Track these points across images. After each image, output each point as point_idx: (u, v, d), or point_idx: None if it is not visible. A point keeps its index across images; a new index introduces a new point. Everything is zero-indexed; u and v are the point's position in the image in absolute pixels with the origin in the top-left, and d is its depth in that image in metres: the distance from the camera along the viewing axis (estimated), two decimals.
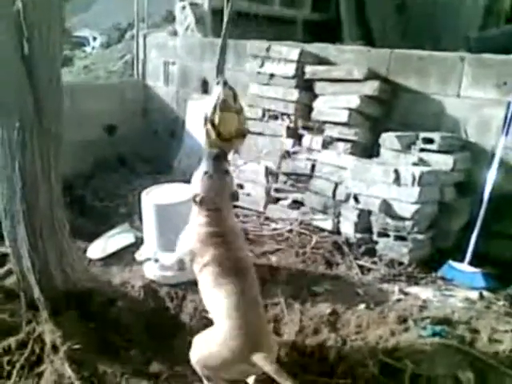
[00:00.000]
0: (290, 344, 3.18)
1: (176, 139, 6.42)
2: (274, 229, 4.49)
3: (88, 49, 8.77)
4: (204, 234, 2.73)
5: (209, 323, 3.43)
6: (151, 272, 3.85)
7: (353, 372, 2.96)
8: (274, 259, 4.06)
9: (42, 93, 3.22)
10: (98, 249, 4.28)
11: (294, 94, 5.00)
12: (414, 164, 4.19)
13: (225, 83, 2.83)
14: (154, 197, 3.85)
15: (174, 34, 6.79)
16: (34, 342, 3.35)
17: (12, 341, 3.38)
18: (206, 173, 2.72)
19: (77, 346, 3.26)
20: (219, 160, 2.73)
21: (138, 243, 4.17)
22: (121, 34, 8.57)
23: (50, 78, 3.28)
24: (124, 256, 4.19)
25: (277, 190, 4.87)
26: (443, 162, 4.15)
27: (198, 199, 2.70)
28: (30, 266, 3.44)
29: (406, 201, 3.99)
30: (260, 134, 5.24)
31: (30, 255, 3.41)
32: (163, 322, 3.55)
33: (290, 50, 5.06)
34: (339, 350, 3.09)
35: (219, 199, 2.72)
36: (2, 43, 3.07)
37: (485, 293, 3.52)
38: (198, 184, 2.74)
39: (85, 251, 4.27)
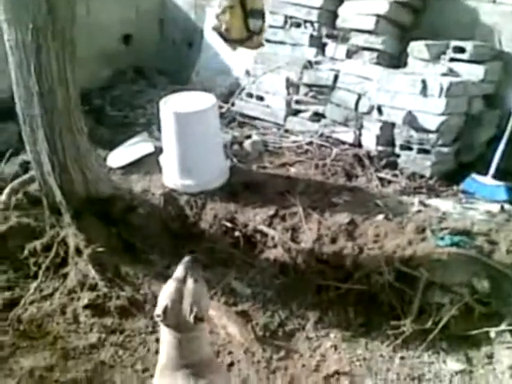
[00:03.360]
0: (308, 251, 3.23)
1: (194, 50, 6.22)
2: (294, 141, 4.43)
3: None
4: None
5: (229, 230, 3.55)
6: (171, 181, 3.88)
7: (368, 279, 3.03)
8: (293, 170, 4.04)
9: None
10: (117, 158, 4.30)
11: (319, 0, 4.74)
12: (443, 74, 4.01)
13: None
14: (173, 105, 3.79)
15: None
16: (58, 245, 3.48)
17: (37, 244, 3.51)
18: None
19: (100, 249, 3.38)
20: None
21: (157, 152, 4.17)
22: None
23: None
24: (143, 165, 4.20)
25: (297, 102, 4.74)
26: (473, 73, 3.96)
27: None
28: (51, 170, 3.48)
29: (432, 112, 3.86)
30: (281, 43, 5.03)
31: (49, 159, 3.45)
32: (183, 229, 3.63)
33: None
34: (355, 257, 3.14)
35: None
36: None
37: (506, 206, 3.48)
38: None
39: (104, 160, 4.29)
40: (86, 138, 3.61)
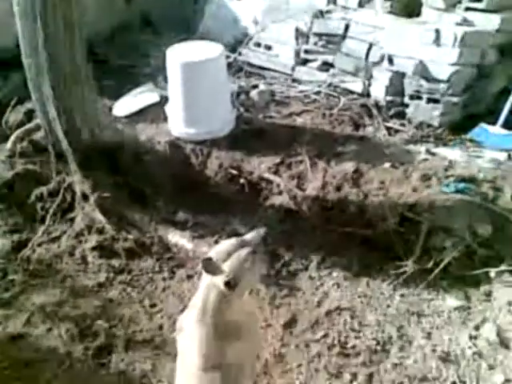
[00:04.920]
0: (313, 198, 3.37)
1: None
2: (302, 91, 4.53)
3: None
4: None
5: (234, 178, 3.68)
6: (176, 129, 4.01)
7: (372, 224, 3.17)
8: (299, 120, 4.14)
9: None
10: (123, 107, 4.42)
11: None
12: (457, 24, 4.05)
13: None
14: (180, 54, 3.87)
15: None
16: (64, 191, 3.63)
17: (44, 190, 3.67)
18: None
19: (106, 195, 3.54)
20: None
21: (163, 102, 4.28)
22: None
23: None
24: (149, 114, 4.32)
25: (306, 52, 4.80)
26: (489, 22, 3.98)
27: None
28: (56, 117, 3.61)
29: (444, 62, 3.93)
30: None
31: (55, 107, 3.57)
32: (188, 177, 3.76)
33: None
34: (360, 204, 3.28)
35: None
36: None
37: None
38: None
39: (110, 109, 4.41)
40: (92, 86, 3.73)
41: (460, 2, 4.15)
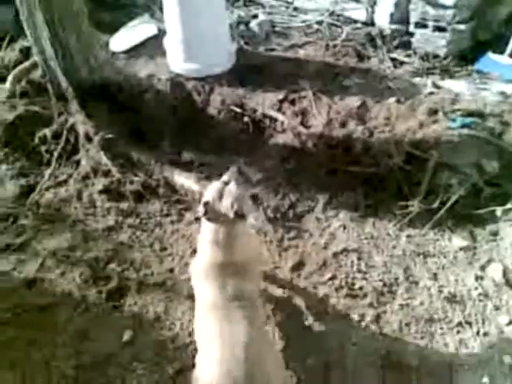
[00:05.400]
0: (318, 135, 3.21)
1: None
2: (303, 20, 4.21)
3: None
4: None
5: (237, 116, 3.49)
6: (177, 65, 3.76)
7: (378, 161, 3.03)
8: (302, 52, 3.88)
9: None
10: (120, 41, 4.13)
11: None
12: None
13: None
14: None
15: None
16: (67, 133, 3.46)
17: (47, 131, 3.50)
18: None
19: (110, 136, 3.37)
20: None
21: (161, 35, 3.99)
22: None
23: None
24: (147, 48, 4.05)
25: None
26: None
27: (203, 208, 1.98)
28: (53, 54, 3.37)
29: None
30: None
31: (51, 43, 3.32)
32: (191, 115, 3.57)
33: None
34: (366, 141, 3.11)
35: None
36: None
37: None
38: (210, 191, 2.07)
39: (107, 44, 4.12)
40: (87, 21, 3.45)
41: None
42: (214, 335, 1.86)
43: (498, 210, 2.69)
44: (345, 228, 2.79)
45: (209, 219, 1.97)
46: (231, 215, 1.92)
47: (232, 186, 2.01)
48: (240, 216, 1.93)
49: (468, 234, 2.70)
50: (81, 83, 3.53)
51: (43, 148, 3.46)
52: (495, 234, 2.67)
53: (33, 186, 3.27)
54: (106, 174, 3.24)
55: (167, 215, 3.00)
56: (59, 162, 3.39)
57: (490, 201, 2.75)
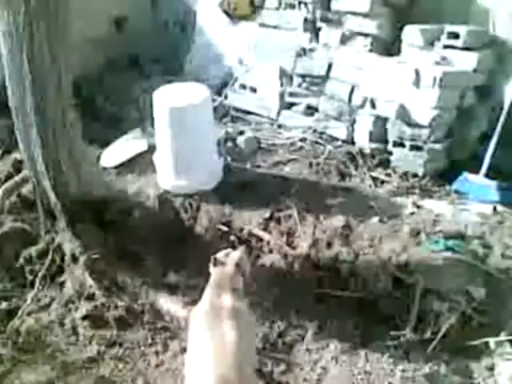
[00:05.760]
0: (304, 257, 3.13)
1: (187, 34, 5.95)
2: (287, 137, 4.28)
3: None
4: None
5: (224, 235, 3.42)
6: (165, 181, 3.73)
7: (365, 286, 2.94)
8: (287, 169, 3.91)
9: None
10: (110, 156, 4.13)
11: None
12: (436, 63, 3.83)
13: None
14: (168, 99, 3.57)
15: None
16: (53, 252, 3.33)
17: (32, 250, 3.37)
18: None
19: (96, 256, 3.25)
20: None
21: (151, 150, 4.00)
22: None
23: None
24: (138, 164, 4.04)
25: (291, 94, 4.57)
26: (467, 61, 3.77)
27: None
28: (44, 169, 3.31)
29: (425, 105, 3.72)
30: (275, 27, 4.80)
31: (43, 157, 3.27)
32: (178, 234, 3.49)
33: None
34: (352, 264, 3.04)
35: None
36: None
37: (499, 207, 3.38)
38: None
39: (98, 158, 4.12)
40: (79, 135, 3.44)
41: (439, 39, 3.94)
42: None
43: (491, 342, 2.57)
44: (336, 361, 2.61)
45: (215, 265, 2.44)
46: (233, 265, 2.38)
47: (237, 251, 2.51)
48: (240, 270, 2.40)
49: (464, 369, 2.54)
50: (69, 199, 3.45)
51: (28, 268, 3.31)
52: (491, 368, 2.52)
53: (14, 310, 3.08)
54: (91, 297, 3.07)
55: (151, 345, 2.81)
56: (43, 283, 3.23)
57: (480, 330, 2.63)
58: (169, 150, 3.63)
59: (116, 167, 4.05)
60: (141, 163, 4.06)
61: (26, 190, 3.78)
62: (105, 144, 4.32)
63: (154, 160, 3.83)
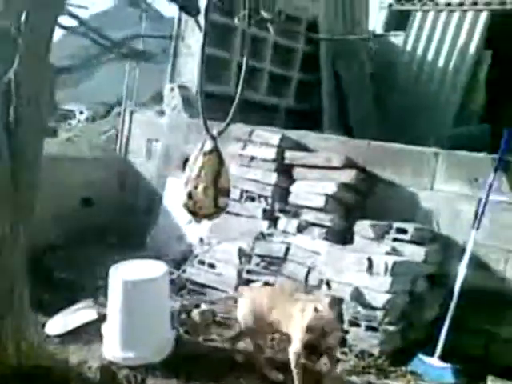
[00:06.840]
0: None
1: (152, 215, 6.38)
2: None
3: (74, 122, 8.93)
4: None
5: None
6: (111, 352, 3.66)
7: None
8: (241, 345, 3.90)
9: (21, 162, 3.19)
10: (57, 324, 4.07)
11: (273, 177, 5.08)
12: (387, 253, 4.20)
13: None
14: (122, 272, 3.73)
15: (161, 113, 6.92)
16: None
17: None
18: None
19: None
20: None
21: (101, 320, 4.00)
22: (107, 110, 8.77)
23: (34, 148, 3.28)
24: (84, 333, 3.99)
25: (249, 272, 4.78)
26: (415, 253, 4.18)
27: None
28: None
29: (378, 290, 3.94)
30: (237, 214, 5.24)
31: None
32: None
33: (272, 135, 5.21)
34: None
35: None
36: None
37: None
38: None
39: (43, 326, 4.06)
40: (27, 309, 3.43)
41: (388, 233, 4.36)
42: None
43: None
44: None
45: None
46: None
47: None
48: None
49: None
50: (6, 368, 3.32)
51: None
52: None
53: None
54: None
55: None
56: None
57: None
58: (119, 321, 3.66)
59: (61, 336, 3.98)
60: (88, 333, 4.01)
61: None
62: (54, 312, 4.29)
63: (103, 330, 3.82)
